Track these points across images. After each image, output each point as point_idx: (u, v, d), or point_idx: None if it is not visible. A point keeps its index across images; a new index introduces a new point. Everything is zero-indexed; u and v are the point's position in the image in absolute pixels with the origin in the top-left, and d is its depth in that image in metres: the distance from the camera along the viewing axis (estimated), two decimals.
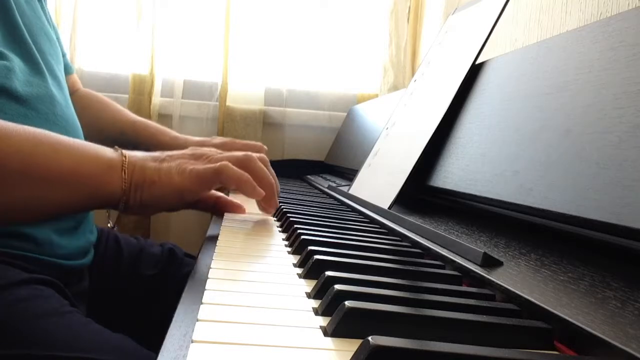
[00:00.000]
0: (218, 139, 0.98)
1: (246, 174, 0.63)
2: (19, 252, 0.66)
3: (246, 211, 0.76)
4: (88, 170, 0.57)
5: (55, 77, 0.78)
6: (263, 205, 0.71)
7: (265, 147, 0.85)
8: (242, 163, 0.65)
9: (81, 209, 0.61)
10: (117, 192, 0.58)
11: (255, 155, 0.69)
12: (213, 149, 0.70)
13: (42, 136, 0.56)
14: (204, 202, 0.73)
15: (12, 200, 0.55)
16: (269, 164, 0.72)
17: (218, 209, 0.75)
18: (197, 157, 0.64)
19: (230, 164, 0.62)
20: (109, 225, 0.64)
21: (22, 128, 0.55)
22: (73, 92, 1.00)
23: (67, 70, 0.97)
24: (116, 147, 0.61)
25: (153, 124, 1.07)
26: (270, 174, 0.69)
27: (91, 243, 0.81)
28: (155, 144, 0.82)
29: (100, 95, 1.06)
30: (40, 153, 0.54)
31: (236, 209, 0.71)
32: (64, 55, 0.94)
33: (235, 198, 0.79)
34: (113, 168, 0.58)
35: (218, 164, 0.61)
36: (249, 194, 0.64)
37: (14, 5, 0.73)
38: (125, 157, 0.59)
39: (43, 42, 0.78)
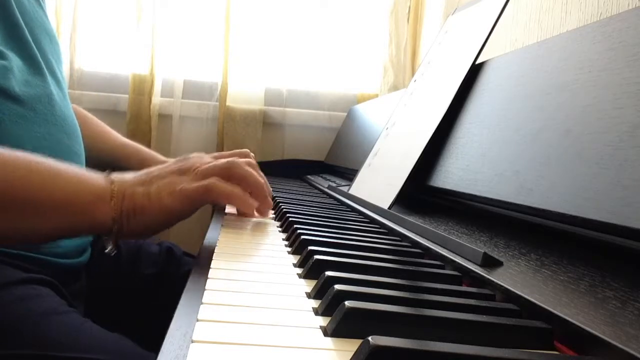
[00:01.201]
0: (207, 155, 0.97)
1: (236, 189, 0.62)
2: (16, 252, 0.66)
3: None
4: (79, 201, 0.57)
5: (55, 77, 0.78)
6: (257, 209, 0.70)
7: (251, 153, 0.84)
8: (229, 171, 0.63)
9: (73, 235, 0.61)
10: (109, 221, 0.58)
11: (242, 159, 0.68)
12: (199, 157, 0.68)
13: (33, 163, 0.56)
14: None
15: (6, 225, 0.55)
16: (257, 166, 0.70)
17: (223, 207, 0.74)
18: (183, 172, 0.63)
19: (218, 182, 0.61)
20: (107, 251, 0.64)
21: (15, 155, 0.55)
22: None
23: None
24: (108, 171, 0.61)
25: (144, 148, 1.06)
26: (260, 177, 0.68)
27: (88, 242, 0.81)
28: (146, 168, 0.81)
29: (89, 114, 1.05)
30: (30, 182, 0.55)
31: (249, 207, 0.67)
32: None
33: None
34: (103, 198, 0.58)
35: (206, 181, 0.60)
36: (242, 208, 0.63)
37: (14, 3, 0.73)
38: (114, 184, 0.59)
39: (44, 41, 0.78)
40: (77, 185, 0.58)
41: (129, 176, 0.62)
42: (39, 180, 0.55)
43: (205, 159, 0.67)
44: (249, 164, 0.68)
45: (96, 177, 0.60)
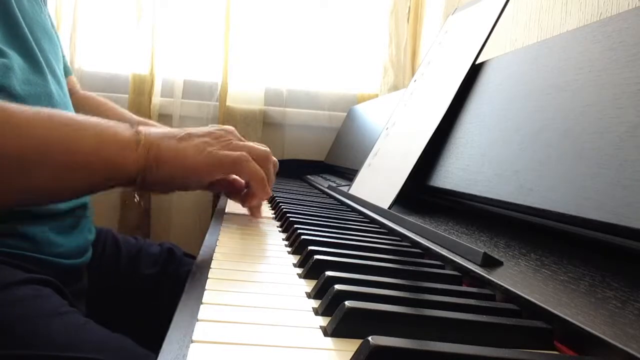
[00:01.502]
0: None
1: (262, 172, 0.63)
2: (17, 252, 0.66)
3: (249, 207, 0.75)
4: (106, 153, 0.57)
5: (55, 76, 0.78)
6: (252, 209, 0.70)
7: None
8: (261, 160, 0.64)
9: (100, 189, 0.61)
10: (133, 171, 0.58)
11: (272, 158, 0.69)
12: (234, 133, 0.68)
13: (57, 119, 0.56)
14: (218, 184, 0.71)
15: (32, 186, 0.55)
16: (277, 169, 0.71)
17: (230, 192, 0.74)
18: (217, 137, 0.63)
19: (249, 158, 0.61)
20: (135, 200, 0.64)
21: (36, 113, 0.55)
22: (71, 95, 1.00)
23: (66, 72, 0.96)
24: (133, 124, 0.61)
25: (160, 126, 1.06)
26: (271, 181, 0.68)
27: (90, 242, 0.81)
28: None
29: (100, 97, 1.05)
30: (56, 139, 0.54)
31: (265, 194, 0.67)
32: (62, 57, 0.93)
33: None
34: (129, 148, 0.58)
35: (238, 153, 0.61)
36: (257, 192, 0.63)
37: (14, 2, 0.73)
38: (140, 134, 0.59)
39: (44, 40, 0.78)
40: (105, 135, 0.58)
41: (156, 129, 0.62)
42: (67, 132, 0.55)
43: (240, 139, 0.67)
44: (275, 164, 0.69)
45: (125, 128, 0.60)
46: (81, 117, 0.58)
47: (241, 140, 0.67)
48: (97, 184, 0.59)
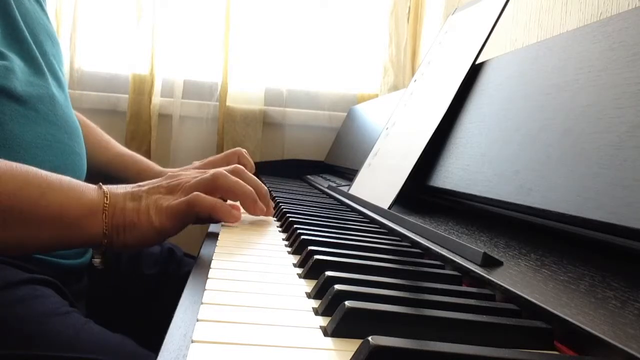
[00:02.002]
0: (197, 164, 0.95)
1: (218, 202, 0.62)
2: None
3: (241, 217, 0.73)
4: (72, 214, 0.58)
5: (56, 78, 0.78)
6: (251, 214, 0.70)
7: (243, 150, 0.83)
8: (212, 183, 0.64)
9: (65, 248, 0.63)
10: (99, 235, 0.59)
11: (229, 167, 0.68)
12: (189, 173, 0.68)
13: (29, 176, 0.56)
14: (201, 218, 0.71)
15: (1, 238, 0.56)
16: (246, 171, 0.69)
17: (215, 220, 0.74)
18: (171, 190, 0.64)
19: (200, 195, 0.61)
20: (95, 264, 0.64)
21: (11, 166, 0.56)
22: None
23: None
24: (100, 184, 0.61)
25: (142, 158, 1.05)
26: (249, 182, 0.67)
27: None
28: (143, 179, 0.81)
29: (89, 122, 1.04)
30: (26, 195, 0.55)
31: (231, 217, 0.66)
32: None
33: None
34: (95, 212, 0.59)
35: (189, 196, 0.61)
36: (225, 220, 0.64)
37: (14, 5, 0.73)
38: (107, 197, 0.60)
39: (45, 42, 0.78)
40: (70, 198, 0.58)
41: (120, 190, 0.62)
42: (33, 193, 0.56)
43: (194, 175, 0.67)
44: (237, 173, 0.67)
45: (89, 190, 0.60)
46: (52, 177, 0.58)
47: (193, 178, 0.66)
48: (65, 243, 0.60)
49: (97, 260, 0.64)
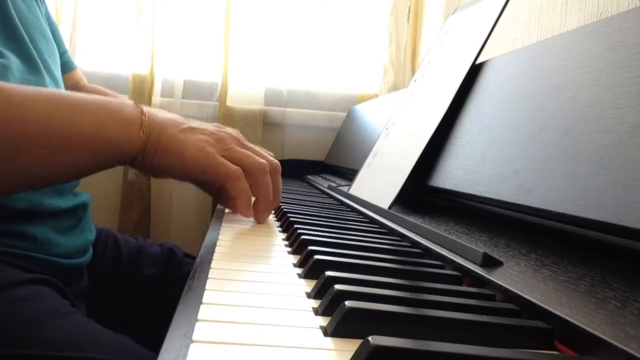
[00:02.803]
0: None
1: (249, 193, 0.62)
2: (18, 252, 0.66)
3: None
4: (108, 131, 0.57)
5: (52, 76, 0.78)
6: (255, 216, 0.70)
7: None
8: (254, 171, 0.63)
9: (102, 167, 0.61)
10: (134, 151, 0.58)
11: (272, 161, 0.68)
12: (236, 135, 0.67)
13: (59, 99, 0.55)
14: (210, 185, 0.70)
15: (34, 165, 0.55)
16: (279, 173, 0.70)
17: (221, 197, 0.73)
18: (218, 139, 0.63)
19: (242, 175, 0.60)
20: (130, 173, 0.64)
21: (39, 91, 0.55)
22: (79, 88, 1.00)
23: (70, 66, 0.96)
24: (136, 103, 0.61)
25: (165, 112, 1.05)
26: (275, 187, 0.67)
27: (90, 242, 0.81)
28: None
29: (108, 90, 1.05)
30: (59, 117, 0.54)
31: (248, 212, 0.66)
32: (65, 52, 0.93)
33: None
34: (132, 127, 0.58)
35: (234, 167, 0.60)
36: (241, 209, 0.63)
37: (10, 3, 0.73)
38: (145, 115, 0.59)
39: (40, 41, 0.78)
40: (108, 116, 0.57)
41: (161, 114, 0.62)
42: (69, 113, 0.55)
43: (243, 143, 0.66)
44: (273, 171, 0.67)
45: (129, 106, 0.59)
46: (84, 95, 0.58)
47: (243, 146, 0.66)
48: (99, 161, 0.59)
49: (132, 175, 0.63)
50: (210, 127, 0.65)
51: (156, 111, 0.62)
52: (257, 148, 0.70)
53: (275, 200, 0.68)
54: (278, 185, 0.69)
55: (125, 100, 0.61)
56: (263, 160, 0.66)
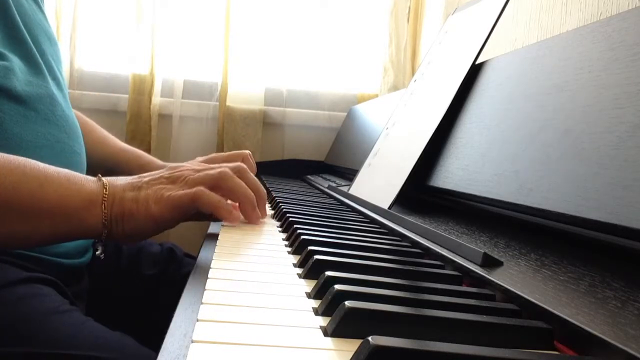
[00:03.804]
0: (200, 159, 0.95)
1: (222, 200, 0.62)
2: (19, 251, 0.66)
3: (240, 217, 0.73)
4: (71, 206, 0.57)
5: (55, 78, 0.78)
6: (246, 219, 0.70)
7: (249, 152, 0.83)
8: (217, 182, 0.63)
9: (64, 240, 0.62)
10: (99, 226, 0.59)
11: (233, 165, 0.67)
12: (192, 165, 0.68)
13: (27, 169, 0.56)
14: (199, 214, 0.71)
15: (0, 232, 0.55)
16: (248, 172, 0.69)
17: (216, 218, 0.73)
18: (173, 181, 0.63)
19: (205, 190, 0.60)
20: (97, 253, 0.64)
21: (8, 159, 0.56)
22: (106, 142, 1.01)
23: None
24: (99, 175, 0.61)
25: (143, 153, 1.05)
26: (251, 184, 0.67)
27: (90, 242, 0.81)
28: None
29: (89, 120, 1.04)
30: (24, 187, 0.55)
31: (232, 218, 0.66)
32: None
33: None
34: (94, 202, 0.59)
35: (193, 189, 0.61)
36: (224, 218, 0.63)
37: (13, 5, 0.73)
38: (106, 188, 0.60)
39: (43, 42, 0.78)
40: (69, 190, 0.58)
41: (120, 181, 0.62)
42: (32, 185, 0.56)
43: (197, 168, 0.67)
44: (240, 172, 0.67)
45: (88, 182, 0.60)
46: (50, 169, 0.58)
47: (198, 170, 0.65)
48: (63, 235, 0.59)
49: (99, 250, 0.64)
50: (162, 172, 0.65)
51: (114, 180, 0.62)
52: (213, 158, 0.70)
53: (257, 196, 0.68)
54: (251, 182, 0.68)
55: (87, 178, 0.61)
56: (221, 169, 0.65)
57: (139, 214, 0.60)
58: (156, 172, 0.66)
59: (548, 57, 0.55)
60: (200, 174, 0.64)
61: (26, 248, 0.66)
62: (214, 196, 0.61)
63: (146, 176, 0.64)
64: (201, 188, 0.61)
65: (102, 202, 0.59)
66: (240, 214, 0.67)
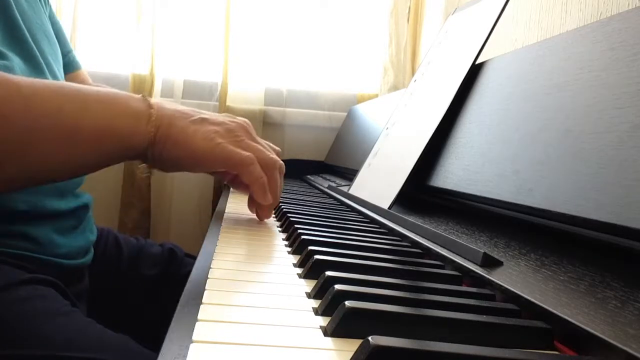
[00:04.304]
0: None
1: (265, 178, 0.62)
2: (20, 252, 0.66)
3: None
4: (116, 126, 0.56)
5: (55, 77, 0.78)
6: (258, 213, 0.69)
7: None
8: (267, 166, 0.63)
9: (111, 162, 0.60)
10: (143, 145, 0.57)
11: (279, 161, 0.68)
12: (247, 129, 0.67)
13: (69, 92, 0.55)
14: (224, 174, 0.70)
15: (42, 159, 0.54)
16: (283, 174, 0.70)
17: (236, 185, 0.72)
18: (229, 130, 0.62)
19: (256, 163, 0.60)
20: (141, 171, 0.64)
21: (48, 85, 0.54)
22: None
23: (75, 65, 0.96)
24: (143, 94, 0.60)
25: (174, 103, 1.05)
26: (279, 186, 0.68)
27: (91, 242, 0.81)
28: None
29: (113, 89, 1.04)
30: (68, 111, 0.54)
31: (266, 198, 0.65)
32: (69, 52, 0.93)
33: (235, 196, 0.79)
34: (140, 121, 0.57)
35: (245, 154, 0.60)
36: (257, 196, 0.63)
37: (13, 4, 0.73)
38: (153, 108, 0.58)
39: (43, 42, 0.78)
40: (117, 109, 0.57)
41: (170, 105, 0.61)
42: (77, 108, 0.54)
43: (253, 137, 0.66)
44: (281, 170, 0.68)
45: (133, 100, 0.59)
46: (92, 89, 0.57)
47: (253, 139, 0.66)
48: (107, 156, 0.58)
49: (146, 171, 0.63)
50: (221, 117, 0.65)
51: (165, 103, 0.61)
52: (265, 143, 0.70)
53: (275, 200, 0.69)
54: (281, 185, 0.69)
55: (133, 95, 0.60)
56: (274, 156, 0.66)
57: (185, 144, 0.58)
58: (214, 114, 0.65)
59: (548, 57, 0.55)
60: (257, 146, 0.64)
61: (75, 176, 0.65)
62: (260, 172, 0.61)
63: (203, 113, 0.63)
64: (252, 156, 0.60)
65: (148, 121, 0.57)
66: (271, 199, 0.66)
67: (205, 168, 0.61)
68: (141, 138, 0.57)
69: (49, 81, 0.55)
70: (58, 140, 0.54)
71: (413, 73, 1.62)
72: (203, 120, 0.61)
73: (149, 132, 0.57)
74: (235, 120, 0.67)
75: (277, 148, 0.75)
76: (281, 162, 0.70)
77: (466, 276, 0.46)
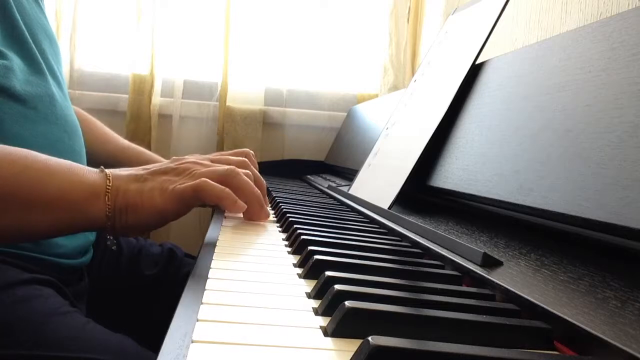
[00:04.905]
0: (202, 156, 0.96)
1: (226, 189, 0.61)
2: (19, 252, 0.66)
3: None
4: (73, 197, 0.57)
5: (55, 77, 0.78)
6: (249, 218, 0.69)
7: (251, 151, 0.83)
8: (223, 178, 0.63)
9: (67, 232, 0.61)
10: (102, 217, 0.58)
11: (237, 160, 0.67)
12: (196, 159, 0.68)
13: (28, 160, 0.56)
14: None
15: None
16: (255, 172, 0.69)
17: (220, 208, 0.73)
18: (179, 173, 0.63)
19: (208, 181, 0.60)
20: (108, 244, 0.64)
21: (9, 150, 0.55)
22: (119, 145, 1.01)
23: None
24: (102, 167, 0.61)
25: (145, 151, 1.05)
26: (257, 184, 0.67)
27: (91, 242, 0.81)
28: None
29: (90, 116, 1.04)
30: (25, 179, 0.54)
31: (237, 207, 0.66)
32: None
33: None
34: (97, 194, 0.58)
35: (197, 180, 0.60)
36: (228, 209, 0.63)
37: (13, 4, 0.73)
38: (109, 180, 0.59)
39: (44, 42, 0.78)
40: (72, 181, 0.57)
41: (123, 173, 0.62)
42: (34, 176, 0.55)
43: (203, 162, 0.66)
44: (245, 168, 0.67)
45: (90, 173, 0.59)
46: (52, 161, 0.57)
47: (203, 165, 0.65)
48: (64, 227, 0.59)
49: (109, 241, 0.63)
50: (167, 164, 0.65)
51: (118, 171, 0.61)
52: (227, 154, 0.70)
53: (259, 187, 0.68)
54: (255, 175, 0.68)
55: (88, 169, 0.60)
56: (227, 166, 0.65)
57: (144, 206, 0.59)
58: (161, 163, 0.66)
59: (548, 57, 0.55)
60: (208, 168, 0.64)
61: (30, 241, 0.66)
62: (217, 187, 0.61)
63: (150, 168, 0.63)
64: (205, 179, 0.61)
65: (105, 194, 0.58)
66: (244, 204, 0.66)
67: (170, 218, 0.61)
68: (100, 212, 0.58)
69: (12, 148, 0.55)
70: (14, 207, 0.55)
71: (413, 73, 1.62)
72: (153, 175, 0.62)
73: (107, 206, 0.58)
74: (182, 160, 0.67)
75: (242, 150, 0.75)
76: (240, 160, 0.69)
77: (466, 276, 0.46)
